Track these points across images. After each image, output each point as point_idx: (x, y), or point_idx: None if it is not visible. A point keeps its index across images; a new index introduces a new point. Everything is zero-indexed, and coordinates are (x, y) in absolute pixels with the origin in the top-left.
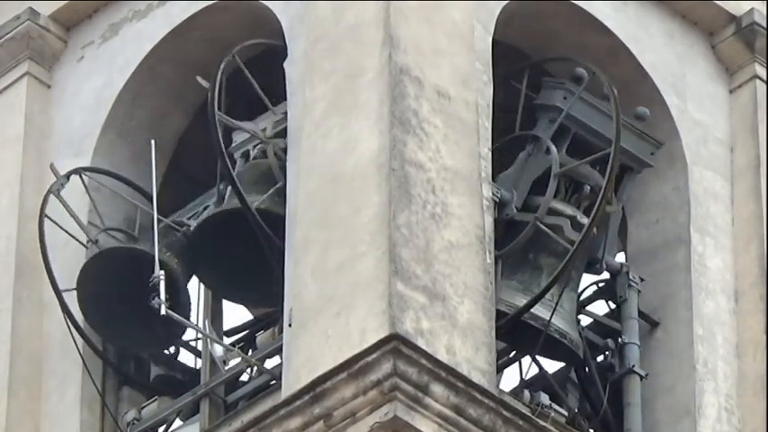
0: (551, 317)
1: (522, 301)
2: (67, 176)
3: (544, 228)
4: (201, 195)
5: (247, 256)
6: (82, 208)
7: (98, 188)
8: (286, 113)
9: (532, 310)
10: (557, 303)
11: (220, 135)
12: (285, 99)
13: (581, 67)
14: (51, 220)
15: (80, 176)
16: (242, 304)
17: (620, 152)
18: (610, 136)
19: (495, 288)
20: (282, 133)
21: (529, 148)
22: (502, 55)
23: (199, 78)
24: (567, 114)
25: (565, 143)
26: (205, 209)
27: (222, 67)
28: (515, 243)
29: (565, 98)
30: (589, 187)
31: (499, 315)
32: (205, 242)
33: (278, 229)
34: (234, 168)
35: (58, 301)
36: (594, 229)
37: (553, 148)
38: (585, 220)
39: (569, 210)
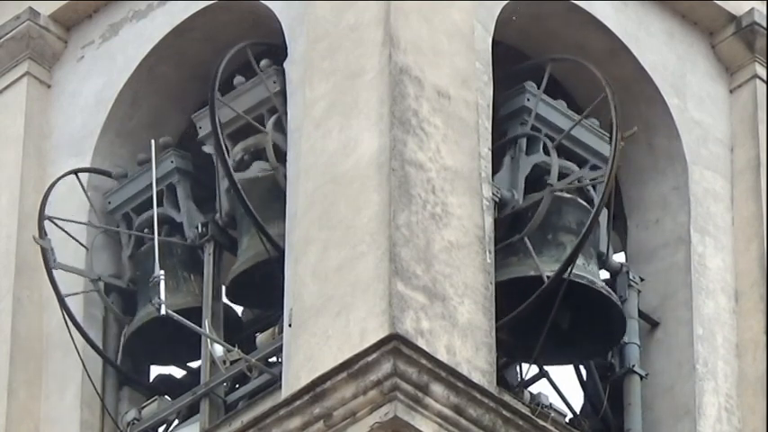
0: (572, 268)
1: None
2: (47, 237)
3: (564, 194)
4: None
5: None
6: (81, 208)
7: (96, 188)
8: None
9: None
10: (575, 255)
11: (221, 134)
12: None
13: (580, 65)
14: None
15: (78, 175)
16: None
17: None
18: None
19: (537, 263)
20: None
21: (510, 152)
22: (502, 55)
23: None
24: (536, 116)
25: (538, 145)
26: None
27: (222, 66)
28: (537, 215)
29: (528, 100)
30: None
31: (546, 280)
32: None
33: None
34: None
35: (58, 302)
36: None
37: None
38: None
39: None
